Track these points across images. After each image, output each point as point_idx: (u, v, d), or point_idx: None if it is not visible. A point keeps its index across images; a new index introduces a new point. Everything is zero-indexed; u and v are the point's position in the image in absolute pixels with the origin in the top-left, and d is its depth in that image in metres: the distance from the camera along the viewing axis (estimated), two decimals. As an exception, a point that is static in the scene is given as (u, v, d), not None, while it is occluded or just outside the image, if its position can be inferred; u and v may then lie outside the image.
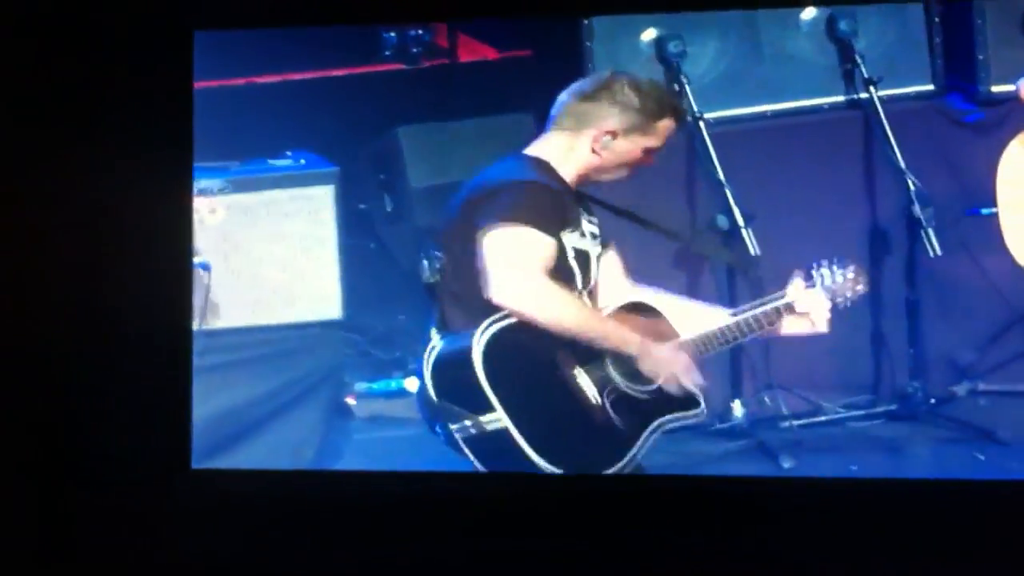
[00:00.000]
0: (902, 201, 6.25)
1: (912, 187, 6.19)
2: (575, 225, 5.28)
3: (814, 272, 5.37)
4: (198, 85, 5.91)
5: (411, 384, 6.56)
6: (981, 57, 6.32)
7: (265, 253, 6.30)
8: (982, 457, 6.12)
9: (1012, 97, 5.77)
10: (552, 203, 5.22)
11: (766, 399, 6.29)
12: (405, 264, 6.77)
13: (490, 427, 5.17)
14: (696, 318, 5.34)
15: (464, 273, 5.22)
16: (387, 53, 7.08)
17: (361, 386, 6.57)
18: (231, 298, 6.25)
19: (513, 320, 5.19)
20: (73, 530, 5.78)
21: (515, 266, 5.15)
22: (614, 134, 5.26)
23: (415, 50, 7.05)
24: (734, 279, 5.99)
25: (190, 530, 5.75)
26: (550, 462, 5.18)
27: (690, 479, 5.60)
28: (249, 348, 6.19)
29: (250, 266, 6.30)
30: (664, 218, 5.63)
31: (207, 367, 5.96)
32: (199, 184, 6.27)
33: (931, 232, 6.11)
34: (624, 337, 5.23)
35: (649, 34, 6.34)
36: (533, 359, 5.22)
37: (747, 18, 6.38)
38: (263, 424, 6.15)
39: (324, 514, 5.62)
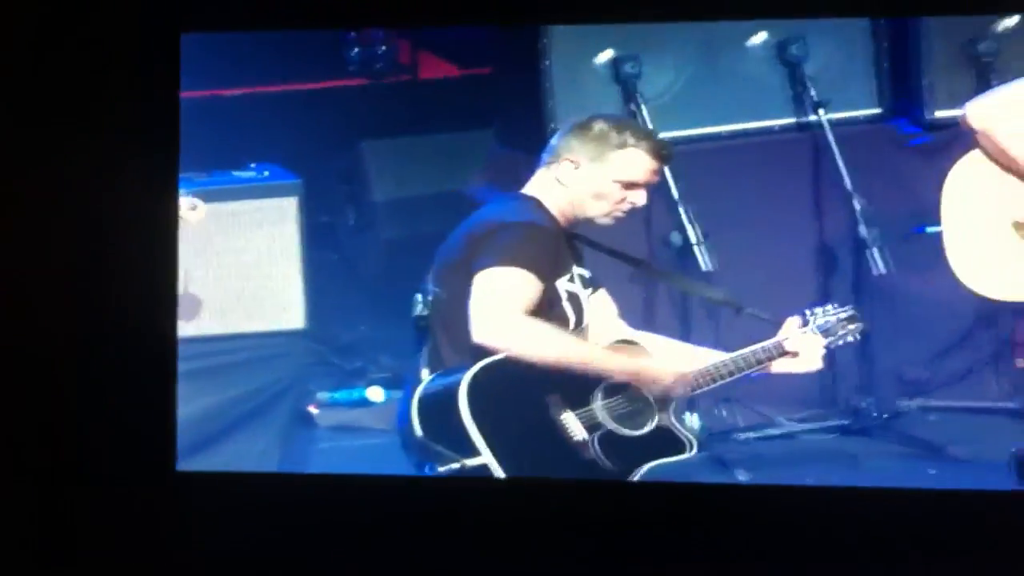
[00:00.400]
0: (850, 221, 6.27)
1: (858, 207, 6.25)
2: (567, 269, 5.29)
3: (809, 314, 5.42)
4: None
5: (372, 394, 6.57)
6: (926, 82, 6.39)
7: (229, 263, 6.25)
8: (933, 471, 6.13)
9: (956, 122, 5.75)
10: (548, 247, 5.25)
11: (724, 413, 6.29)
12: (368, 276, 6.84)
13: (473, 467, 5.14)
14: (685, 359, 5.35)
15: (459, 310, 5.21)
16: (351, 68, 7.07)
17: (323, 395, 6.51)
18: (196, 307, 6.12)
19: (500, 359, 5.15)
20: (65, 528, 5.64)
21: (494, 305, 5.14)
22: (575, 163, 5.28)
23: (378, 66, 7.06)
24: (718, 316, 5.99)
25: (175, 530, 5.64)
26: None
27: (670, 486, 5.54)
28: (214, 356, 6.14)
29: (215, 276, 6.21)
30: (624, 237, 5.60)
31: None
32: None
33: (876, 251, 6.16)
34: (615, 361, 5.22)
35: (606, 55, 6.35)
36: (521, 401, 5.23)
37: (702, 41, 6.39)
38: (227, 431, 6.10)
39: (308, 516, 5.49)
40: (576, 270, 5.38)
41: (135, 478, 5.72)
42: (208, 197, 6.21)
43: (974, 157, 5.63)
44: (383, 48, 7.04)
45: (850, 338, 5.50)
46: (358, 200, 6.91)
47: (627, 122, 5.59)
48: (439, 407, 5.19)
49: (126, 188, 5.74)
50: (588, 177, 5.32)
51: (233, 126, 6.61)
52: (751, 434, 6.35)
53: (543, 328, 5.23)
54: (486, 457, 5.15)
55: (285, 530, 5.61)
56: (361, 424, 6.48)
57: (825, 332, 5.42)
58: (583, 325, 5.38)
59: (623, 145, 5.30)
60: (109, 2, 5.77)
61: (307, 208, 6.34)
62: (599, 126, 5.36)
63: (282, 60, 6.89)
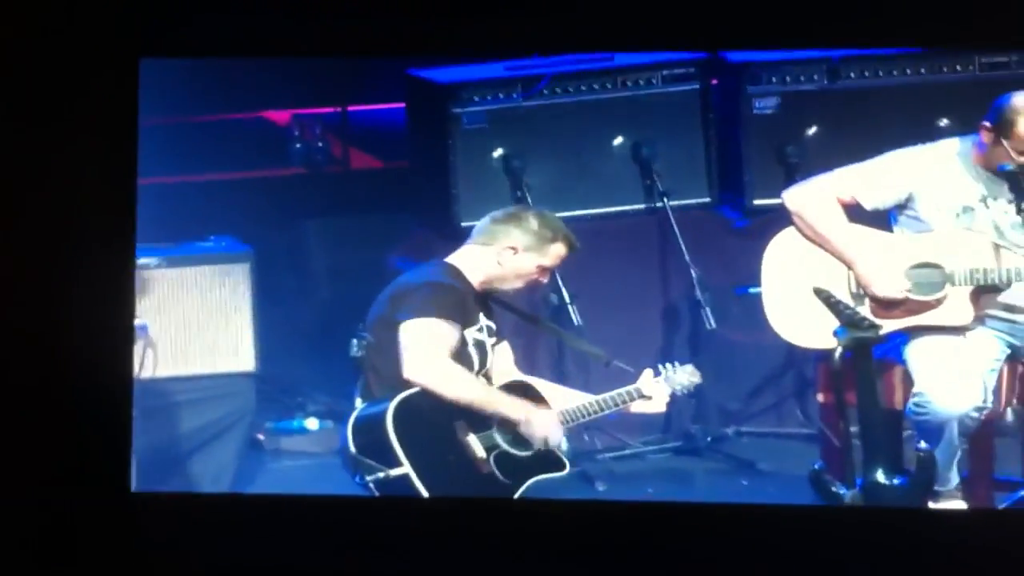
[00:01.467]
0: (687, 286, 6.73)
1: (695, 275, 6.71)
2: (475, 321, 5.64)
3: (662, 368, 5.82)
4: (142, 181, 5.79)
5: (310, 423, 6.91)
6: (747, 178, 6.92)
7: (192, 317, 6.55)
8: (745, 483, 6.59)
9: (771, 209, 6.18)
10: (456, 301, 5.58)
11: (586, 437, 6.69)
12: (306, 328, 7.07)
13: (396, 476, 5.45)
14: (564, 398, 5.74)
15: (386, 353, 5.56)
16: (294, 160, 7.54)
17: (269, 425, 6.86)
18: (164, 353, 6.47)
19: (419, 391, 5.50)
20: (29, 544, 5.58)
21: (424, 351, 5.51)
22: (515, 250, 5.67)
23: (317, 158, 7.51)
24: (590, 364, 6.31)
25: (131, 550, 5.59)
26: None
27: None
28: (179, 394, 6.43)
29: (180, 328, 6.53)
30: (516, 296, 5.90)
31: (144, 409, 6.07)
32: (140, 260, 6.24)
33: (708, 310, 6.63)
34: (510, 405, 5.59)
35: (498, 152, 6.80)
36: (434, 425, 5.54)
37: (574, 142, 6.83)
38: (189, 456, 6.38)
39: (261, 532, 5.56)
40: (484, 322, 5.70)
41: (93, 498, 5.61)
42: (175, 263, 6.54)
43: (788, 233, 5.85)
44: (320, 144, 7.49)
45: (691, 388, 5.86)
46: (299, 267, 7.21)
47: (550, 218, 5.79)
48: (369, 428, 5.52)
49: (83, 221, 5.63)
50: (523, 262, 5.71)
51: (197, 206, 6.90)
52: (607, 454, 6.74)
53: (459, 372, 5.54)
54: (407, 468, 5.43)
55: (241, 547, 5.56)
56: (300, 448, 6.81)
57: (671, 382, 5.80)
58: (487, 367, 5.70)
59: (554, 240, 5.72)
60: (66, 31, 5.63)
61: (257, 272, 6.58)
62: (534, 221, 5.71)
63: (238, 152, 7.33)
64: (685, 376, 5.85)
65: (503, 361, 5.81)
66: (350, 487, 5.54)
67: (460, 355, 5.61)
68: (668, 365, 5.82)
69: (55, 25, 5.61)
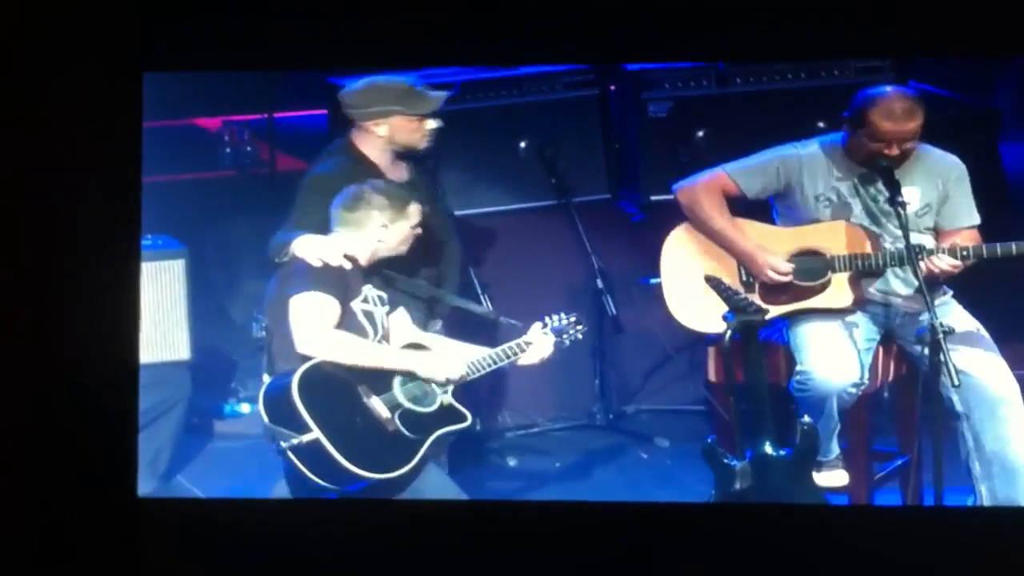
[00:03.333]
0: (590, 275, 6.81)
1: (596, 266, 6.79)
2: (358, 294, 5.59)
3: (547, 319, 5.82)
4: None
5: (242, 408, 6.91)
6: (642, 175, 7.01)
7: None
8: (645, 456, 6.70)
9: (666, 204, 6.18)
10: (335, 277, 5.53)
11: (500, 417, 6.81)
12: (237, 318, 7.11)
13: (308, 441, 5.39)
14: (459, 354, 5.69)
15: (282, 330, 5.55)
16: (224, 162, 7.56)
17: (205, 410, 6.87)
18: None
19: (319, 361, 5.47)
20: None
21: (310, 323, 5.49)
22: (386, 226, 5.62)
23: (246, 161, 7.54)
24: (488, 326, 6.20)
25: (134, 555, 5.45)
26: (357, 466, 5.40)
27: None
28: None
29: None
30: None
31: None
32: None
33: (609, 297, 6.71)
34: (405, 357, 5.58)
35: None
36: (338, 390, 5.48)
37: (485, 144, 6.88)
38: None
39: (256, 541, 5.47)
40: (371, 293, 5.62)
41: (96, 503, 5.45)
42: None
43: (685, 227, 5.92)
44: (248, 148, 7.52)
45: (578, 336, 5.82)
46: (230, 262, 7.18)
47: (391, 187, 5.69)
48: (278, 399, 5.44)
49: (87, 224, 5.54)
50: (398, 231, 5.64)
51: None
52: (519, 431, 6.86)
53: (346, 338, 5.49)
54: (316, 433, 5.38)
55: (244, 552, 5.47)
56: (235, 431, 6.82)
57: (557, 332, 5.78)
58: (379, 335, 5.61)
59: (408, 201, 5.65)
60: (67, 43, 5.50)
61: (191, 268, 6.61)
62: (382, 197, 5.61)
63: (173, 157, 7.10)
64: (571, 325, 5.83)
65: (400, 327, 5.75)
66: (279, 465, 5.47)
67: (350, 326, 5.56)
68: (553, 316, 5.80)
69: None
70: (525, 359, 5.72)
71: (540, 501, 5.98)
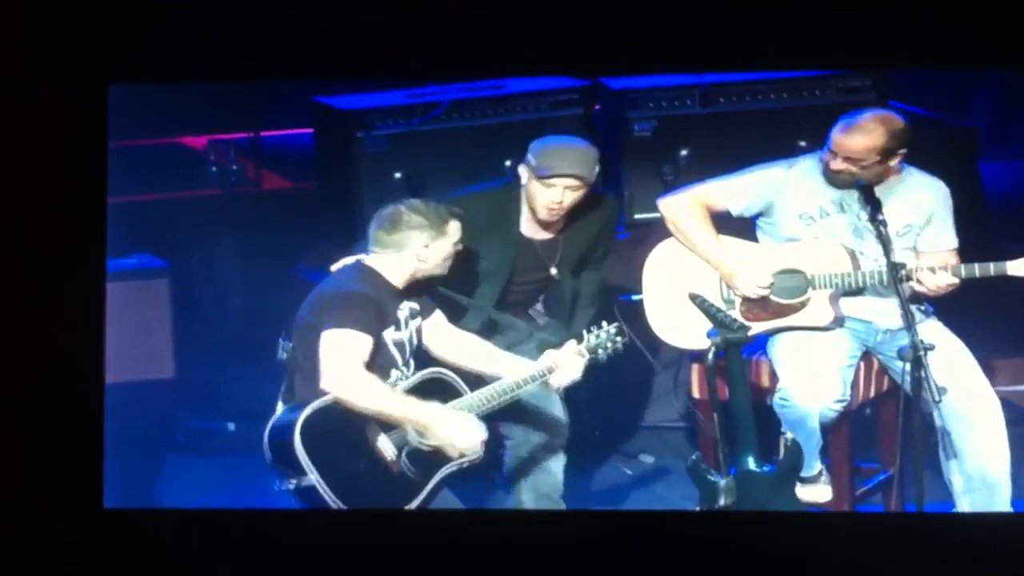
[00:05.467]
0: None
1: None
2: (392, 320, 5.54)
3: (585, 333, 5.67)
4: None
5: (229, 425, 6.90)
6: (627, 193, 7.03)
7: (115, 329, 6.09)
8: (629, 472, 6.69)
9: (650, 222, 6.29)
10: (370, 309, 5.46)
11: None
12: (222, 336, 7.07)
13: (306, 486, 5.37)
14: (498, 362, 5.65)
15: (309, 358, 5.48)
16: (211, 181, 7.57)
17: (189, 427, 6.86)
18: None
19: (331, 401, 5.39)
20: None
21: (338, 363, 5.39)
22: (427, 246, 5.59)
23: (231, 179, 7.57)
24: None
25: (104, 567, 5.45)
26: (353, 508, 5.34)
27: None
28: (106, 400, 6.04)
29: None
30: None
31: None
32: None
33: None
34: (416, 416, 5.48)
35: (398, 173, 6.82)
36: (345, 432, 5.42)
37: (469, 164, 6.79)
38: (114, 457, 5.97)
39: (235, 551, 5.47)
40: (404, 312, 5.57)
41: (65, 515, 5.47)
42: None
43: (667, 244, 5.97)
44: (234, 166, 7.54)
45: (618, 348, 5.71)
46: (214, 280, 7.23)
47: (426, 205, 5.66)
48: (280, 439, 5.41)
49: (53, 240, 5.55)
50: (440, 250, 5.60)
51: (119, 225, 6.41)
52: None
53: (370, 385, 5.42)
54: (314, 479, 5.35)
55: (218, 564, 5.47)
56: (219, 448, 6.81)
57: (592, 350, 5.64)
58: (410, 359, 5.58)
59: (447, 218, 5.61)
60: (33, 56, 5.51)
61: (175, 286, 6.66)
62: (419, 216, 5.59)
63: (158, 175, 7.33)
64: (607, 337, 5.71)
65: (435, 333, 5.70)
66: (258, 480, 5.53)
67: (379, 359, 5.51)
68: (592, 330, 5.69)
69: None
70: (554, 381, 5.63)
71: (528, 511, 5.94)
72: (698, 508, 5.62)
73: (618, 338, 5.71)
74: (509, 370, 5.60)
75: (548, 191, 5.88)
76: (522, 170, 5.94)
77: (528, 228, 6.00)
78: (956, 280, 5.77)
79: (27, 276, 5.52)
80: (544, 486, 5.80)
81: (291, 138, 7.73)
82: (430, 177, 6.67)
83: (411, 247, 5.58)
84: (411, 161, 6.85)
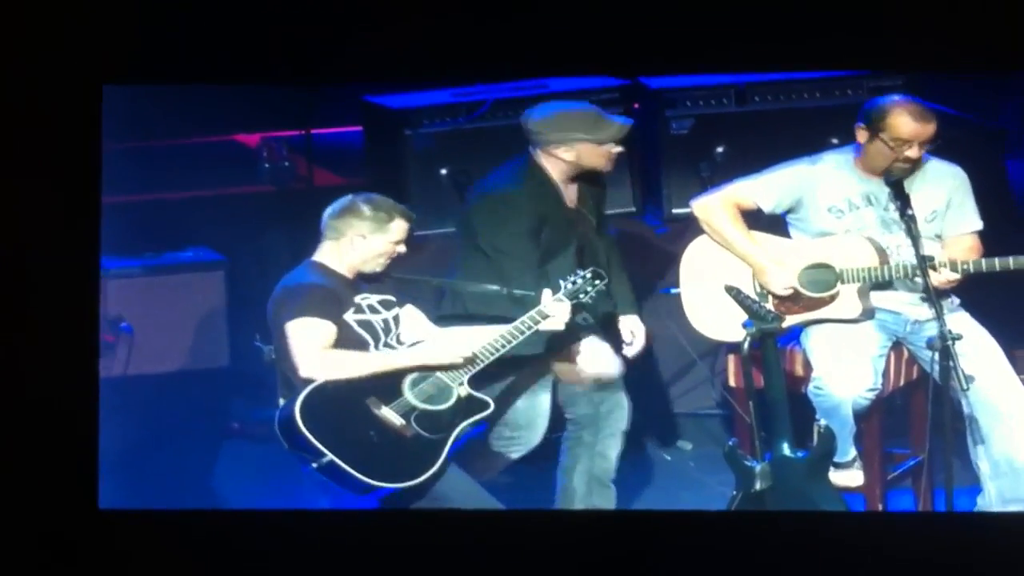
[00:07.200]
0: None
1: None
2: (351, 306, 5.60)
3: (561, 282, 5.68)
4: (110, 199, 5.66)
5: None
6: (665, 191, 7.13)
7: (174, 319, 6.75)
8: (669, 458, 6.82)
9: (688, 217, 6.26)
10: (324, 297, 5.53)
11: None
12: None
13: (326, 463, 5.40)
14: (470, 340, 5.59)
15: (284, 355, 5.59)
16: (264, 178, 7.59)
17: (243, 414, 6.96)
18: (147, 352, 6.67)
19: (321, 383, 5.43)
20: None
21: (307, 348, 5.47)
22: (363, 236, 5.60)
23: (284, 176, 7.57)
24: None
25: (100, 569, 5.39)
26: (379, 480, 5.41)
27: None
28: (160, 388, 6.62)
29: (162, 329, 6.71)
30: None
31: (127, 404, 6.21)
32: (126, 269, 6.58)
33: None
34: (407, 357, 5.53)
35: (444, 169, 6.93)
36: (344, 407, 5.46)
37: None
38: (171, 441, 6.53)
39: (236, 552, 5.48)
40: (367, 301, 5.60)
41: (60, 515, 5.43)
42: (158, 271, 6.74)
43: (702, 239, 6.04)
44: (286, 163, 7.55)
45: (600, 289, 5.66)
46: (267, 273, 6.84)
47: (379, 201, 5.67)
48: (288, 429, 5.47)
49: (48, 238, 5.53)
50: (374, 244, 5.62)
51: (177, 220, 7.03)
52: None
53: (345, 354, 5.48)
54: (330, 456, 5.39)
55: (219, 564, 5.46)
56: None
57: (571, 294, 5.64)
58: (384, 339, 5.59)
59: (390, 218, 5.63)
60: (30, 57, 5.49)
61: (230, 279, 6.79)
62: (367, 208, 5.60)
63: (213, 172, 7.43)
64: (584, 282, 5.67)
65: (410, 323, 5.71)
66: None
67: (347, 340, 5.54)
68: (567, 278, 5.66)
69: (21, 50, 5.48)
70: (545, 328, 5.58)
71: (561, 511, 5.94)
72: (734, 492, 5.69)
73: (596, 281, 5.67)
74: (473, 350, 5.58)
75: (603, 148, 5.94)
76: (573, 145, 5.88)
77: (568, 197, 6.03)
78: (958, 276, 5.84)
79: (22, 276, 5.51)
80: (598, 469, 5.88)
81: (342, 135, 7.77)
82: (475, 173, 6.70)
83: (348, 235, 5.60)
84: (457, 158, 6.94)
